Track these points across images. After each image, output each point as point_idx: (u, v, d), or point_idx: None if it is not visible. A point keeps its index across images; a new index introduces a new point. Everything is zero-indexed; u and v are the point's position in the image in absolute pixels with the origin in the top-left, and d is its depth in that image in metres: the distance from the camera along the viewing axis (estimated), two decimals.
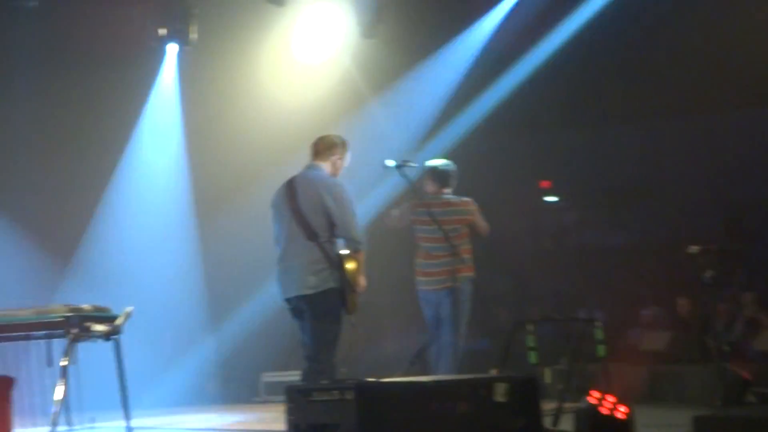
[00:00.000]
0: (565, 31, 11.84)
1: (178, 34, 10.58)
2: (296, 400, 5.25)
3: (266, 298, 12.76)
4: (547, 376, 9.07)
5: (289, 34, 11.64)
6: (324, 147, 6.47)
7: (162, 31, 10.61)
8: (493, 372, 6.91)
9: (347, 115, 11.22)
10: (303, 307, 6.16)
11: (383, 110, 11.69)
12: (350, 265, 6.13)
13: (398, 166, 6.95)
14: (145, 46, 10.88)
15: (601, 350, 7.00)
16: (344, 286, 6.10)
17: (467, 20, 11.88)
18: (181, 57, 11.35)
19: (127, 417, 6.68)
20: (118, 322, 6.44)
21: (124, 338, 6.65)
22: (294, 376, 11.35)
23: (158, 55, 11.34)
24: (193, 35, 10.53)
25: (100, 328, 6.23)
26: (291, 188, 6.32)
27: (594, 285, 13.30)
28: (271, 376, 11.44)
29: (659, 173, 15.85)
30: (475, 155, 11.47)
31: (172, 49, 11.20)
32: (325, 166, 6.42)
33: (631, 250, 15.07)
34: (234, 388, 11.62)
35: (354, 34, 11.30)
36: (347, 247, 6.20)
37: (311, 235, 6.13)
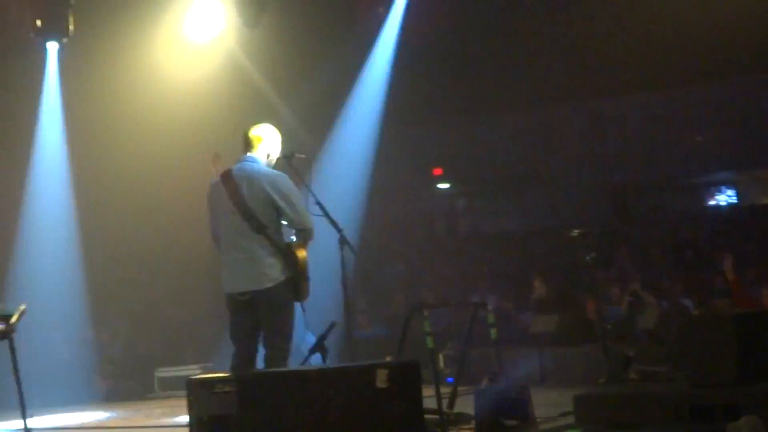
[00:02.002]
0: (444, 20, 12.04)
1: (57, 27, 10.28)
2: (198, 393, 5.25)
3: (155, 294, 12.67)
4: (440, 360, 9.23)
5: (181, 16, 11.46)
6: (256, 139, 6.39)
7: (39, 23, 10.30)
8: (388, 358, 7.00)
9: (241, 101, 11.10)
10: (258, 300, 6.13)
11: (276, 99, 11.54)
12: (302, 254, 6.16)
13: (286, 157, 6.90)
14: (26, 40, 10.59)
15: (494, 334, 7.17)
16: (297, 274, 6.12)
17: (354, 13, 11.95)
18: (63, 51, 11.06)
19: (24, 417, 6.52)
20: (12, 320, 6.25)
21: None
22: (189, 371, 11.34)
23: (42, 51, 11.06)
24: (71, 27, 10.27)
25: None
26: (231, 182, 6.21)
27: (486, 270, 13.55)
28: (165, 371, 11.33)
29: (549, 159, 16.27)
30: (368, 145, 11.59)
31: (52, 47, 10.94)
32: (261, 158, 6.40)
33: (522, 234, 15.41)
34: (127, 384, 11.45)
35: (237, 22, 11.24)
36: (298, 237, 6.22)
37: (259, 227, 6.08)
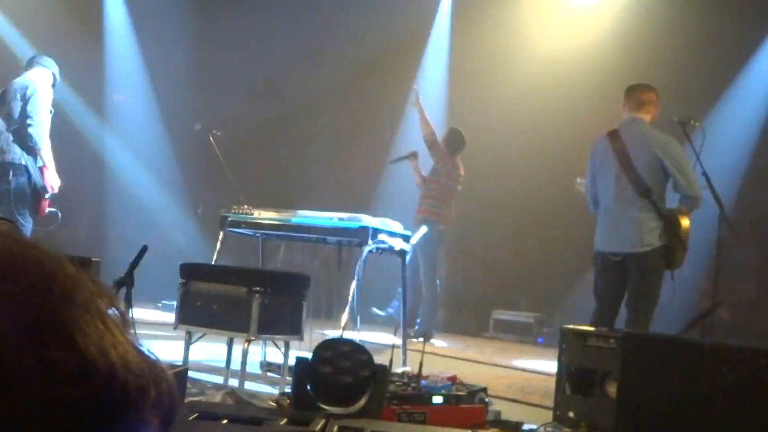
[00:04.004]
0: None
1: None
2: (571, 342, 5.37)
3: (497, 238, 12.95)
4: None
5: None
6: (647, 99, 6.29)
7: None
8: None
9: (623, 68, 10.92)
10: (631, 262, 6.19)
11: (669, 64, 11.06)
12: (686, 222, 6.14)
13: (681, 123, 6.71)
14: None
15: None
16: (676, 243, 6.11)
17: None
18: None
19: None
20: (412, 240, 6.35)
21: None
22: (522, 316, 11.61)
23: None
24: None
25: None
26: (618, 142, 6.23)
27: None
28: (501, 314, 11.65)
29: None
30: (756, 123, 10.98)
31: None
32: (647, 120, 6.35)
33: None
34: (464, 320, 11.92)
35: None
36: (686, 205, 6.17)
37: (645, 191, 6.09)
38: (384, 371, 3.85)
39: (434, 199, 9.58)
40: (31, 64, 7.53)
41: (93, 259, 4.07)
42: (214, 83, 13.35)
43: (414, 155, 9.63)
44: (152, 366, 0.72)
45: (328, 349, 3.86)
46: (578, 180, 7.28)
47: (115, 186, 12.71)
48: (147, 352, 0.73)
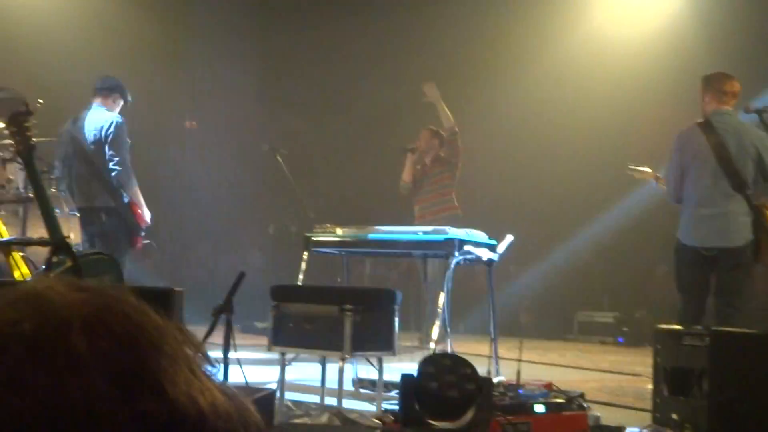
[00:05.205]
0: None
1: None
2: (666, 343, 5.32)
3: (581, 239, 12.86)
4: None
5: None
6: (732, 89, 6.21)
7: None
8: None
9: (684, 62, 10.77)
10: (724, 257, 6.12)
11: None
12: None
13: (756, 111, 6.57)
14: None
15: None
16: (762, 237, 6.04)
17: None
18: None
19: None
20: (498, 249, 6.16)
21: None
22: (604, 316, 11.51)
23: None
24: None
25: None
26: (714, 135, 6.14)
27: None
28: (584, 315, 11.57)
29: None
30: None
31: None
32: (733, 112, 6.27)
33: None
34: (547, 323, 11.86)
35: None
36: None
37: (740, 185, 6.05)
38: (489, 383, 3.87)
39: (448, 195, 9.07)
40: (100, 91, 7.34)
41: (176, 290, 4.15)
42: (281, 102, 13.49)
43: (414, 150, 9.11)
44: (240, 408, 0.74)
45: (432, 364, 3.88)
46: (631, 166, 7.26)
47: (192, 210, 12.91)
48: (234, 394, 0.74)
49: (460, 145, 9.05)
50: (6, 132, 6.49)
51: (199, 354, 0.75)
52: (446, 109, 9.00)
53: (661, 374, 5.36)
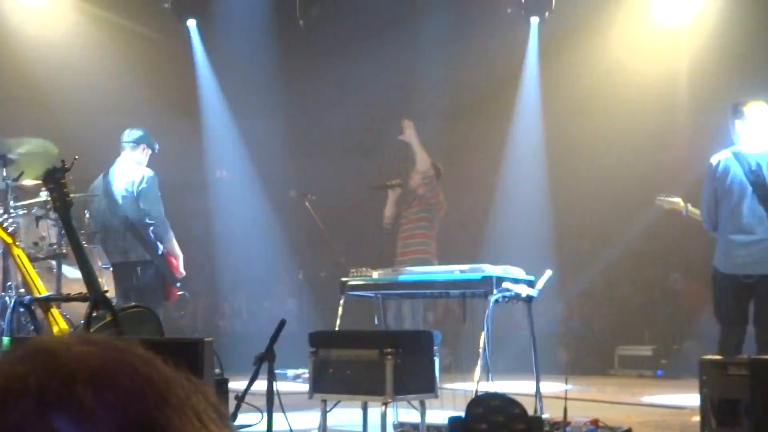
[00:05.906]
0: None
1: (539, 2, 10.59)
2: (711, 374, 5.23)
3: (613, 273, 12.74)
4: None
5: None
6: (765, 116, 6.15)
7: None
8: None
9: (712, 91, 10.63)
10: (761, 284, 6.05)
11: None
12: None
13: None
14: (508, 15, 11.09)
15: None
16: None
17: None
18: (544, 26, 11.29)
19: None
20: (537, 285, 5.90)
21: None
22: (642, 350, 11.36)
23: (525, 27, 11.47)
24: (554, 1, 10.50)
25: None
26: (746, 159, 6.08)
27: None
28: (625, 349, 11.42)
29: None
30: None
31: (534, 21, 11.23)
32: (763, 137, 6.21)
33: None
34: (587, 359, 11.70)
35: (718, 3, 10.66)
36: None
37: None
38: (540, 423, 3.81)
39: (430, 238, 8.84)
40: (128, 144, 7.36)
41: (206, 339, 4.14)
42: (307, 146, 13.53)
43: (400, 185, 8.92)
44: None
45: (480, 405, 3.83)
46: (660, 197, 7.25)
47: (225, 259, 12.92)
48: None
49: (438, 188, 8.87)
50: (33, 186, 6.55)
51: (209, 403, 0.77)
52: (422, 149, 8.87)
53: (708, 406, 5.27)
